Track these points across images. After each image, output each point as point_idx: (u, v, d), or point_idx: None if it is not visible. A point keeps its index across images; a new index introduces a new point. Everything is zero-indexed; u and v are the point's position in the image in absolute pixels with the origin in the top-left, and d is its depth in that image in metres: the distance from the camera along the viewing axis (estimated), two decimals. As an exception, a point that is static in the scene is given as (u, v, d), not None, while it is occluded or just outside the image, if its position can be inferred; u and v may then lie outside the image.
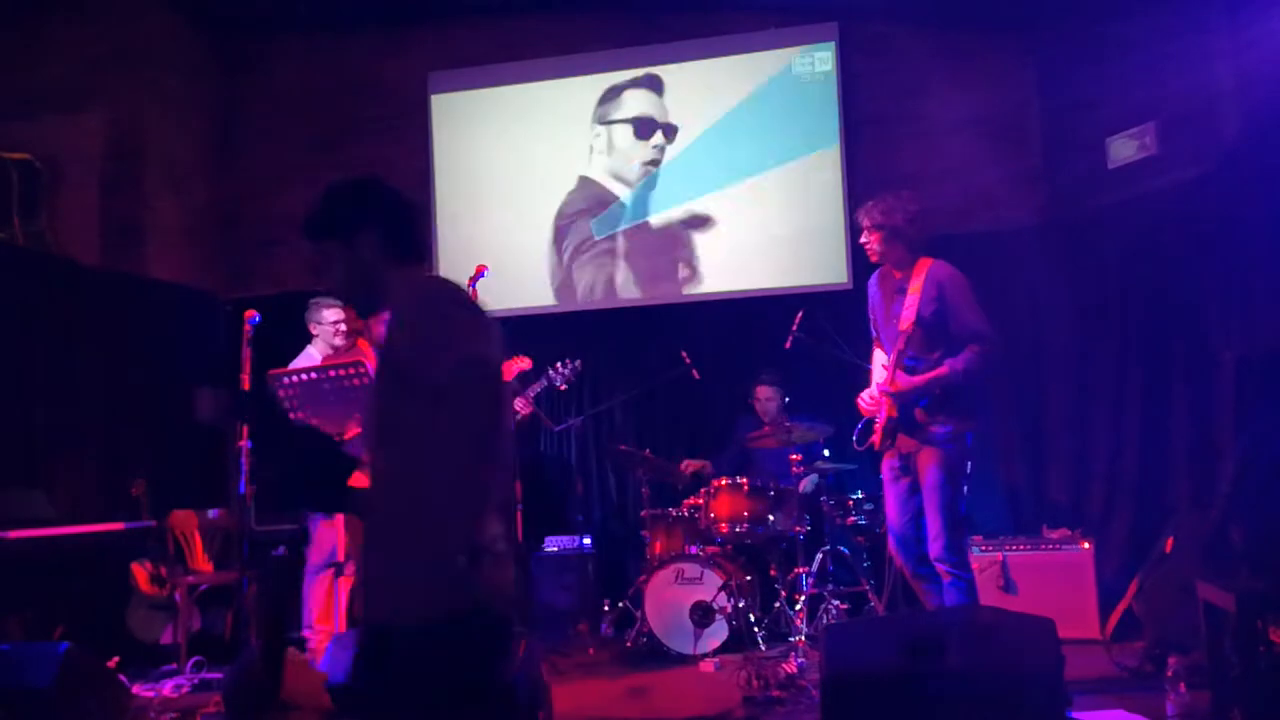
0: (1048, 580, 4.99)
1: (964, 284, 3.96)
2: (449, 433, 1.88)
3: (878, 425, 4.01)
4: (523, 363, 4.87)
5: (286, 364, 4.58)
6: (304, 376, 3.86)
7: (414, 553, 1.91)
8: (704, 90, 6.63)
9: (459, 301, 2.01)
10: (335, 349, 4.89)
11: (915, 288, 3.94)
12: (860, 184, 6.28)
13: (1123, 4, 5.59)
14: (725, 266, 6.53)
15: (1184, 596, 3.90)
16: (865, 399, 4.11)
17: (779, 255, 6.46)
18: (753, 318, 6.28)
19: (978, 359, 3.86)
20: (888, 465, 4.09)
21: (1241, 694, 3.13)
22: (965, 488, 3.92)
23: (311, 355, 4.90)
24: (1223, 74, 5.11)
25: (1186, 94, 5.27)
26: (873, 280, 4.25)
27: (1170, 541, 4.38)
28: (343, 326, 4.95)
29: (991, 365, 3.89)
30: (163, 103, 6.57)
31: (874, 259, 4.13)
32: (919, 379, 3.91)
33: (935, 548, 3.87)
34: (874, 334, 4.26)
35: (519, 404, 4.94)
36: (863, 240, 4.11)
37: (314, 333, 4.96)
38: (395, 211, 2.11)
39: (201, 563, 5.49)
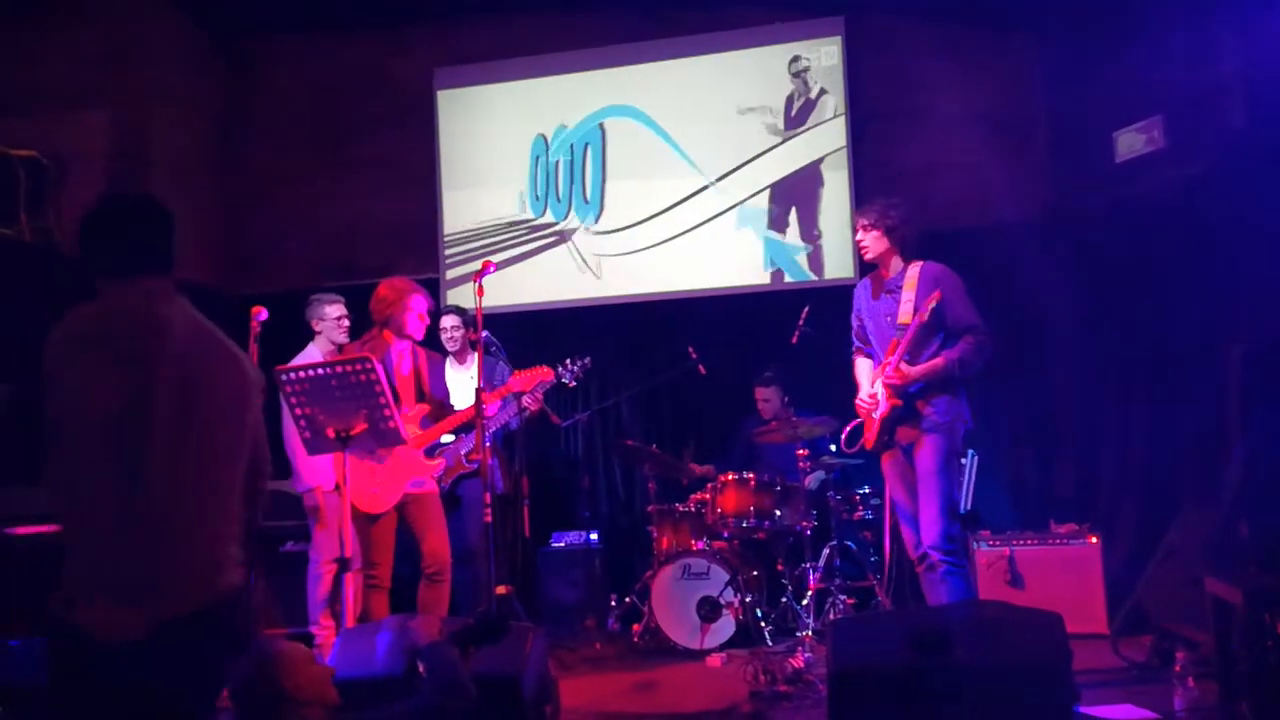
0: (1055, 574, 4.99)
1: (957, 280, 4.15)
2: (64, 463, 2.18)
3: (873, 424, 4.13)
4: (544, 374, 4.86)
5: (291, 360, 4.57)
6: (311, 373, 3.85)
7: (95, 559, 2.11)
8: (710, 84, 6.61)
9: (84, 337, 2.25)
10: (338, 344, 4.88)
11: (910, 284, 4.11)
12: (866, 178, 6.27)
13: (1129, -3, 5.56)
14: (730, 261, 6.52)
15: (1191, 591, 3.89)
16: (864, 399, 4.21)
17: (784, 250, 6.45)
18: (759, 313, 6.26)
19: (972, 349, 4.06)
20: (889, 462, 4.20)
21: (1249, 688, 3.12)
22: (963, 478, 4.00)
23: (312, 353, 4.86)
24: (1230, 65, 5.08)
25: (1194, 86, 5.24)
26: (860, 287, 4.43)
27: (1177, 536, 4.37)
28: (345, 322, 4.93)
29: (985, 355, 4.09)
30: (166, 101, 6.56)
31: (867, 258, 4.34)
32: (919, 368, 4.06)
33: (930, 535, 3.98)
34: (856, 344, 4.41)
35: (528, 400, 4.93)
36: (858, 238, 4.34)
37: (316, 329, 4.93)
38: (89, 231, 2.24)
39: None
